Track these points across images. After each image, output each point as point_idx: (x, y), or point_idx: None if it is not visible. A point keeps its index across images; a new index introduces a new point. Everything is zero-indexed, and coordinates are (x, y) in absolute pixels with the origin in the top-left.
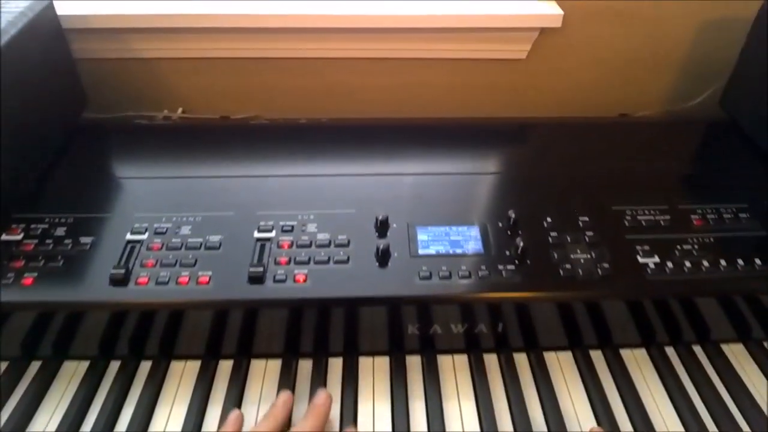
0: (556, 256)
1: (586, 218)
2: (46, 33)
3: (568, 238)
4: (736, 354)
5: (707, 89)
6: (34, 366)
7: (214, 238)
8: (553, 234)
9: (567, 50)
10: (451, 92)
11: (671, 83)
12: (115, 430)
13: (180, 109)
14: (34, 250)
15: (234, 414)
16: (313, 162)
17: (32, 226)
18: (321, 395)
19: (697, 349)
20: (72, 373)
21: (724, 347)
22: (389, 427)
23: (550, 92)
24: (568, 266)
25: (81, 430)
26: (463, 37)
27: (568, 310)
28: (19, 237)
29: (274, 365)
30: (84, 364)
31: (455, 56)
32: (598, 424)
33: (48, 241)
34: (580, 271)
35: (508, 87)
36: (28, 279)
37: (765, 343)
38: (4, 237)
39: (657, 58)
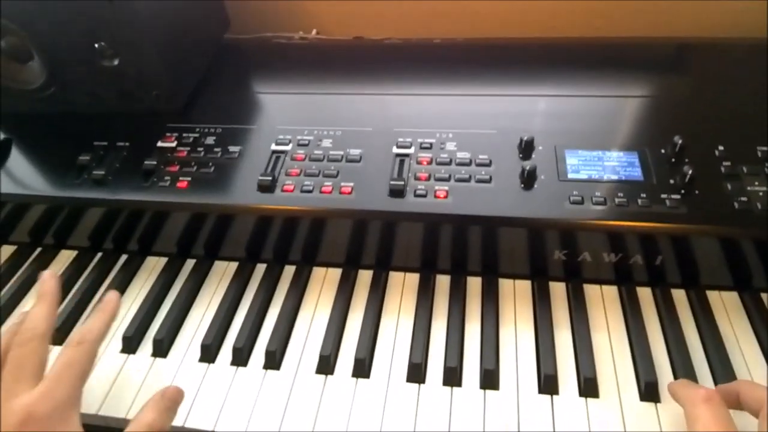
0: (729, 187)
1: (766, 148)
2: None
3: (744, 169)
4: None
5: None
6: (189, 264)
7: (355, 152)
8: (726, 164)
9: None
10: (592, 10)
11: None
12: (262, 329)
13: (314, 30)
14: (187, 156)
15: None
16: (448, 81)
17: (185, 135)
18: (110, 294)
19: None
20: (222, 273)
21: None
22: (533, 353)
23: (702, 12)
24: (743, 199)
25: (231, 325)
26: None
27: (740, 247)
28: (173, 144)
29: (413, 278)
30: (233, 266)
31: None
32: None
33: (199, 148)
34: (758, 204)
35: (659, 5)
36: (183, 182)
37: None
38: (160, 144)
39: None
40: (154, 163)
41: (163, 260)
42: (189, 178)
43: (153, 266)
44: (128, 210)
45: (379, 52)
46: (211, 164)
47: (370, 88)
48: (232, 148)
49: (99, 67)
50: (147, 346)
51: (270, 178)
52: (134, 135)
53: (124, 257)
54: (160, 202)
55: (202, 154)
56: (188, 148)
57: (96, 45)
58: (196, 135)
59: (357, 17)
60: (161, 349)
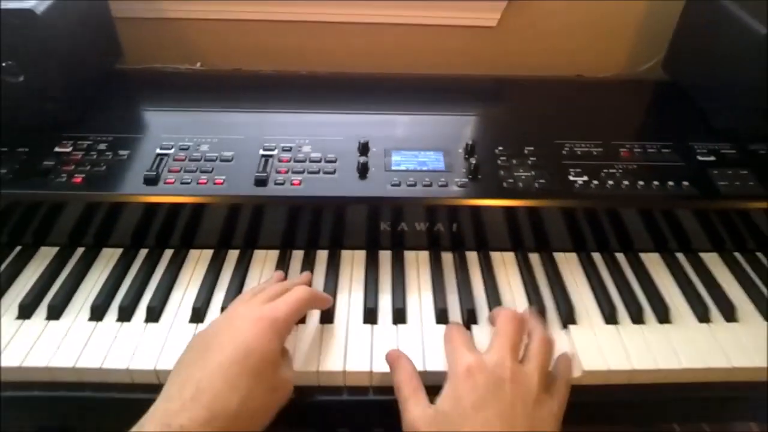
0: (502, 173)
1: (531, 148)
2: None
3: (514, 161)
4: (653, 262)
5: (656, 57)
6: (78, 252)
7: (228, 153)
8: (502, 158)
9: (533, 20)
10: (429, 55)
11: (624, 49)
12: (140, 302)
13: (198, 63)
14: (81, 158)
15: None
16: (310, 103)
17: (79, 142)
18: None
19: (621, 257)
20: (108, 258)
21: (643, 256)
22: (362, 310)
23: (518, 56)
24: (511, 181)
25: (113, 300)
26: (440, 5)
27: (509, 215)
28: (69, 149)
29: (273, 255)
30: (118, 252)
31: (435, 23)
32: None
33: (92, 152)
34: (520, 184)
35: (481, 51)
36: (77, 178)
37: (677, 254)
38: (57, 149)
39: (610, 28)
40: (52, 163)
41: (55, 249)
42: (83, 175)
43: (46, 254)
44: (27, 203)
45: (255, 81)
46: (103, 164)
47: (245, 107)
48: (121, 152)
49: (4, 83)
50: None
51: (154, 173)
52: (33, 143)
53: (18, 249)
54: (56, 194)
55: (95, 156)
56: (83, 152)
57: (4, 63)
58: (90, 142)
59: (237, 52)
60: (55, 312)
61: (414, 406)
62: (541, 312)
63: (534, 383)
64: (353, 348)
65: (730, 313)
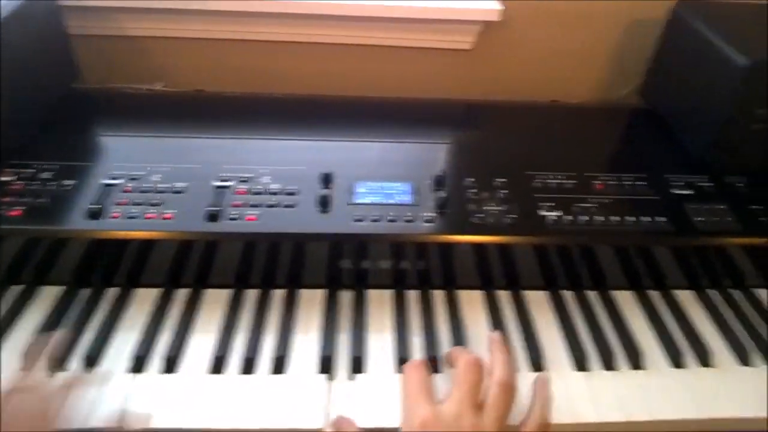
0: (471, 207)
1: (502, 179)
2: (44, 8)
3: (484, 194)
4: (626, 300)
5: (632, 84)
6: (14, 290)
7: (180, 184)
8: (472, 190)
9: (508, 44)
10: (402, 78)
11: (600, 75)
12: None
13: (160, 84)
14: (22, 188)
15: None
16: (273, 128)
17: (23, 170)
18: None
19: (592, 295)
20: (46, 297)
21: (616, 294)
22: (317, 359)
23: (493, 80)
24: (480, 215)
25: None
26: (413, 27)
27: (478, 252)
28: (10, 178)
29: (225, 295)
30: (58, 290)
31: (408, 45)
32: None
33: (36, 182)
34: (490, 220)
35: (455, 74)
36: (15, 211)
37: (651, 292)
38: None
39: (587, 53)
40: None
41: None
42: (23, 208)
43: None
44: None
45: (217, 103)
46: (45, 195)
47: (205, 132)
48: (67, 182)
49: None
50: None
51: (98, 206)
52: None
53: None
54: None
55: (38, 186)
56: (25, 182)
57: None
58: (34, 170)
59: (200, 72)
60: None
61: None
62: None
63: None
64: (305, 402)
65: (704, 358)
